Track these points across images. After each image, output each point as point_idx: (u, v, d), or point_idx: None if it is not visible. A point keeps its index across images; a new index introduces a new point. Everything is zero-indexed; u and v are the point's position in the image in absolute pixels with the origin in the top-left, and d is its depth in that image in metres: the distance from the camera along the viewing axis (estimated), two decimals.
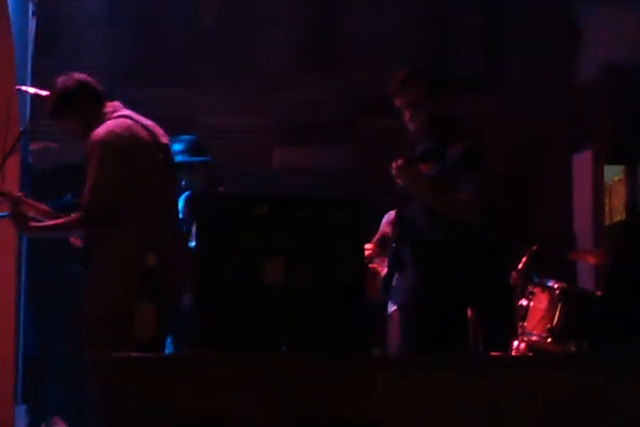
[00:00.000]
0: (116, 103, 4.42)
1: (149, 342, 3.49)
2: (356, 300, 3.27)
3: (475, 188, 4.22)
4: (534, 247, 5.01)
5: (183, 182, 5.30)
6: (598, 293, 4.88)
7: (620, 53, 7.12)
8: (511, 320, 4.93)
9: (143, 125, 4.36)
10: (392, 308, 5.03)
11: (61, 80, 4.40)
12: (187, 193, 5.35)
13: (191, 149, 5.41)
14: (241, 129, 7.05)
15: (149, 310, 3.54)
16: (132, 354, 3.27)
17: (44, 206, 4.48)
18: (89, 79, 4.42)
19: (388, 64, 6.65)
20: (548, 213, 7.09)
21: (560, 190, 7.14)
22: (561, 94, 7.18)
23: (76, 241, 4.43)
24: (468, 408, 3.16)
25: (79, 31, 6.99)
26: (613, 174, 7.14)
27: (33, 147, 6.65)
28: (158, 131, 4.42)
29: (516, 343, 4.83)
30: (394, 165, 4.26)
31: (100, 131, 4.26)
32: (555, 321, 4.78)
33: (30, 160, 6.60)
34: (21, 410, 6.20)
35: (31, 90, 4.73)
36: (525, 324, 4.85)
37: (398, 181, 4.28)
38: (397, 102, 4.36)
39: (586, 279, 6.63)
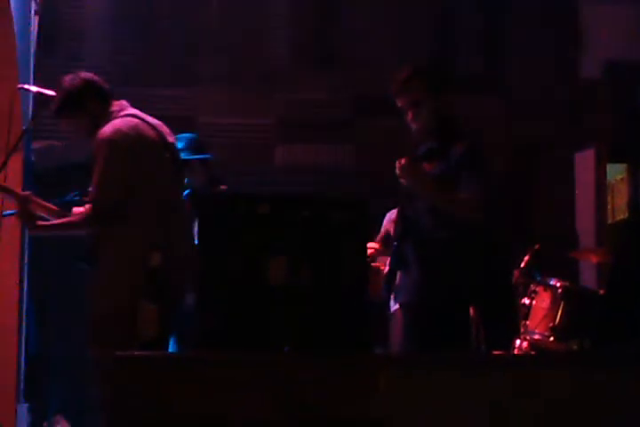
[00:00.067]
0: (123, 102, 4.43)
1: (151, 342, 3.49)
2: (359, 299, 3.27)
3: (475, 187, 4.22)
4: (536, 246, 5.01)
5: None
6: (600, 291, 4.88)
7: (620, 52, 7.12)
8: (513, 319, 4.93)
9: (150, 124, 4.37)
10: (394, 306, 5.02)
11: (68, 79, 4.41)
12: (187, 191, 5.36)
13: (191, 147, 5.42)
14: (243, 128, 7.05)
15: (151, 310, 3.54)
16: (135, 353, 3.27)
17: (50, 205, 4.49)
18: (95, 78, 4.43)
19: (388, 63, 6.66)
20: (550, 212, 7.10)
21: (562, 189, 7.14)
22: (561, 94, 7.18)
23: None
24: (470, 407, 3.16)
25: (81, 30, 7.00)
26: (616, 173, 7.14)
27: (35, 145, 6.65)
28: (164, 130, 4.42)
29: (518, 342, 4.83)
30: (397, 164, 4.26)
31: (107, 130, 4.26)
32: (557, 320, 4.78)
33: (33, 159, 6.61)
34: (23, 409, 6.20)
35: (33, 88, 4.73)
36: (528, 322, 4.85)
37: (402, 180, 4.28)
38: (399, 102, 4.36)
39: (588, 278, 6.63)
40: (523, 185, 7.13)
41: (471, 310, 4.49)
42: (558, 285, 4.86)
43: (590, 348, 4.55)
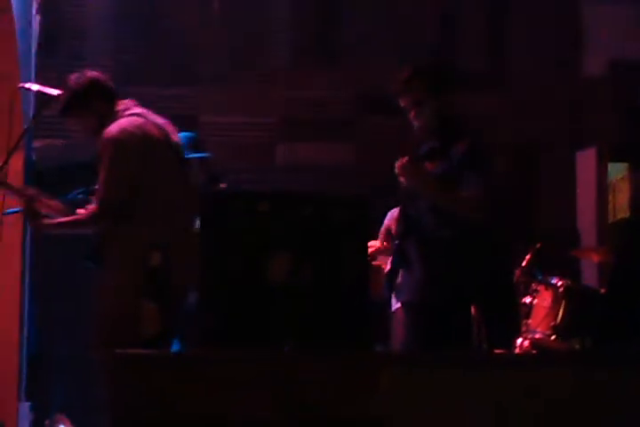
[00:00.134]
0: (129, 101, 4.43)
1: (152, 340, 3.50)
2: (359, 298, 3.27)
3: (477, 187, 4.22)
4: (538, 245, 5.01)
5: None
6: (602, 290, 4.88)
7: (622, 51, 7.12)
8: (515, 318, 4.93)
9: (155, 124, 4.37)
10: (396, 305, 5.02)
11: (74, 78, 4.42)
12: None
13: (189, 146, 5.42)
14: (244, 127, 7.05)
15: (152, 309, 3.54)
16: (135, 352, 3.27)
17: (56, 203, 4.49)
18: (101, 77, 4.44)
19: (389, 62, 6.66)
20: (551, 212, 7.09)
21: (563, 188, 7.14)
22: (563, 93, 7.17)
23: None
24: (471, 406, 3.16)
25: (82, 29, 7.01)
26: (617, 172, 7.14)
27: (36, 144, 6.66)
28: (170, 129, 4.43)
29: (519, 341, 4.83)
30: (398, 163, 4.26)
31: (113, 129, 4.27)
32: (558, 319, 4.78)
33: (34, 157, 6.61)
34: (25, 407, 6.21)
35: (35, 87, 4.73)
36: (529, 321, 4.86)
37: (402, 179, 4.28)
38: (402, 102, 4.36)
39: (589, 277, 6.63)
40: (524, 184, 7.13)
41: (473, 309, 4.49)
42: (560, 284, 4.86)
43: (592, 347, 4.55)
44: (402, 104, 4.36)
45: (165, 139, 4.38)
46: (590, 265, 6.56)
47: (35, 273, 6.42)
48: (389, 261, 4.46)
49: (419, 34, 7.14)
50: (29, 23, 6.65)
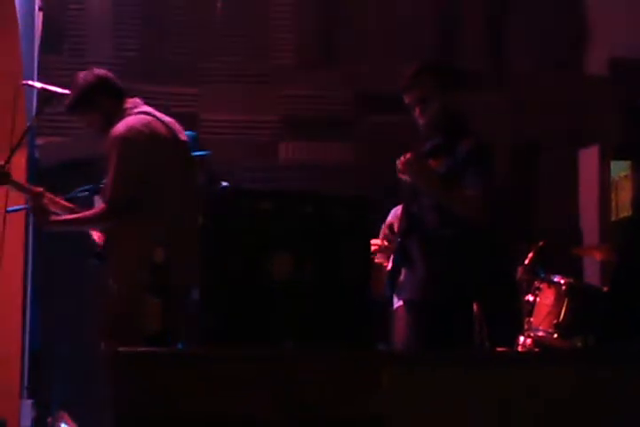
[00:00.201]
0: (137, 99, 4.45)
1: (155, 336, 3.50)
2: (361, 296, 3.27)
3: (481, 184, 4.21)
4: (541, 243, 5.01)
5: None
6: (605, 288, 4.88)
7: (624, 50, 7.11)
8: (517, 316, 4.93)
9: (163, 122, 4.39)
10: (397, 303, 5.02)
11: (82, 76, 4.43)
12: None
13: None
14: (246, 125, 7.05)
15: (155, 304, 3.54)
16: (138, 349, 3.27)
17: (62, 201, 4.50)
18: (109, 75, 4.45)
19: (391, 61, 6.67)
20: (554, 210, 7.09)
21: (563, 189, 7.14)
22: (563, 93, 7.17)
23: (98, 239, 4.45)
24: (473, 404, 3.16)
25: (85, 27, 7.00)
26: (620, 170, 7.14)
27: (39, 142, 6.66)
28: (177, 127, 4.45)
29: (522, 339, 4.83)
30: (401, 160, 4.25)
31: (121, 127, 4.28)
32: (561, 317, 4.78)
33: (37, 155, 6.61)
34: (28, 404, 6.21)
35: (38, 85, 4.73)
36: (532, 319, 4.86)
37: (405, 176, 4.27)
38: (407, 98, 4.35)
39: (592, 275, 6.63)
40: (523, 184, 7.12)
41: (475, 307, 4.49)
42: (562, 282, 4.86)
43: (594, 345, 4.55)
44: (407, 100, 4.34)
45: (173, 137, 4.39)
46: (593, 263, 6.56)
47: (37, 270, 6.42)
48: (391, 260, 4.45)
49: (418, 34, 7.13)
50: (32, 20, 6.65)
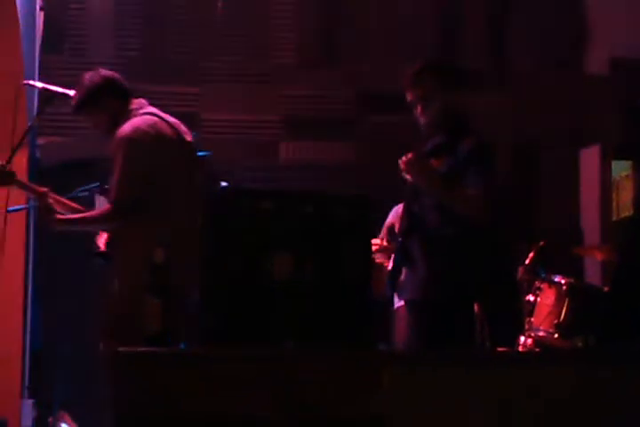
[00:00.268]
0: (142, 100, 4.45)
1: (155, 336, 3.49)
2: (362, 295, 3.27)
3: (483, 184, 4.21)
4: (541, 243, 5.01)
5: None
6: (605, 288, 4.88)
7: (624, 50, 7.11)
8: (518, 316, 4.93)
9: (168, 123, 4.39)
10: (398, 303, 5.02)
11: (88, 76, 4.43)
12: None
13: None
14: (247, 124, 7.05)
15: (155, 304, 3.54)
16: (138, 349, 3.27)
17: (67, 201, 4.51)
18: (115, 76, 4.46)
19: (393, 60, 6.66)
20: (551, 211, 7.09)
21: (564, 188, 7.14)
22: (563, 93, 7.16)
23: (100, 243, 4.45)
24: (474, 404, 3.16)
25: (86, 26, 7.01)
26: (621, 170, 7.13)
27: (40, 141, 6.66)
28: (182, 128, 4.45)
29: (522, 339, 4.83)
30: (403, 159, 4.24)
31: (126, 127, 4.28)
32: (562, 317, 4.78)
33: (38, 155, 6.61)
34: (29, 404, 6.22)
35: (39, 84, 4.74)
36: (532, 319, 4.85)
37: (407, 175, 4.27)
38: (409, 96, 4.34)
39: (593, 275, 6.63)
40: (524, 184, 7.12)
41: (476, 307, 4.49)
42: (563, 282, 4.86)
43: (595, 345, 4.55)
44: (409, 98, 4.34)
45: (178, 138, 4.40)
46: (594, 263, 6.56)
47: (38, 270, 6.42)
48: (392, 259, 4.45)
49: (420, 33, 7.13)
50: (33, 20, 6.65)
